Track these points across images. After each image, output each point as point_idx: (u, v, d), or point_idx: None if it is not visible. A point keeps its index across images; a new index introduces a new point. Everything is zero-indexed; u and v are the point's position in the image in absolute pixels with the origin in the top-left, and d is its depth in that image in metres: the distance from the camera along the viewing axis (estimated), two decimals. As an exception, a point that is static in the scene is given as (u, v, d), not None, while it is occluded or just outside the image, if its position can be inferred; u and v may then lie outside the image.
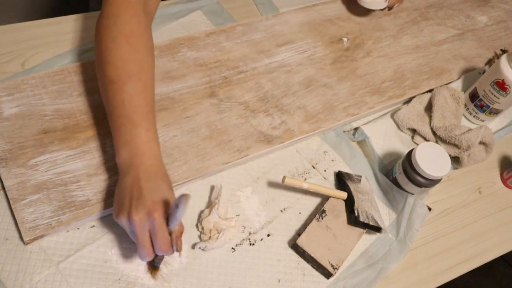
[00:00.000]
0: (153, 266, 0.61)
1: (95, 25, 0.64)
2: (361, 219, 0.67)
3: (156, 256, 0.58)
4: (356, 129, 0.80)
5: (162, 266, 0.62)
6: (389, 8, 0.95)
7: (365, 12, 0.94)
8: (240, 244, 0.67)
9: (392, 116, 0.83)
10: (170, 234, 0.55)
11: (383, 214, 0.73)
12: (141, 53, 0.62)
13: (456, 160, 0.80)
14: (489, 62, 0.94)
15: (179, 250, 0.56)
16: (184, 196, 0.51)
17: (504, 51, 0.96)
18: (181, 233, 0.57)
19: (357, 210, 0.67)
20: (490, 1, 1.06)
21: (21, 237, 0.60)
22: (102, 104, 0.71)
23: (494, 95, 0.80)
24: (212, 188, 0.70)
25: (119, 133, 0.59)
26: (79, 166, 0.65)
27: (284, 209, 0.71)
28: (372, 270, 0.68)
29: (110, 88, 0.60)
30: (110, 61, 0.60)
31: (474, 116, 0.86)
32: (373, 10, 0.93)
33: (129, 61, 0.61)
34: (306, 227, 0.67)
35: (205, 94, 0.76)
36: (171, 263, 0.63)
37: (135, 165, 0.57)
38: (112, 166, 0.66)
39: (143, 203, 0.54)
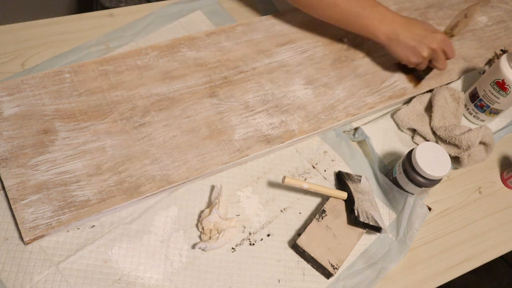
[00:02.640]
0: (418, 79, 0.86)
1: None
2: (361, 219, 0.67)
3: (428, 70, 0.85)
4: (356, 129, 0.80)
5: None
6: None
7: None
8: (240, 244, 0.67)
9: (392, 116, 0.83)
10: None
11: (383, 214, 0.73)
12: None
13: (456, 160, 0.80)
14: (489, 62, 0.94)
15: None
16: (473, 6, 0.88)
17: (504, 51, 0.96)
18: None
19: (357, 210, 0.67)
20: (490, 1, 1.06)
21: (21, 237, 0.60)
22: (102, 104, 0.71)
23: (494, 95, 0.80)
24: (212, 188, 0.70)
25: (370, 21, 0.79)
26: (79, 166, 0.65)
27: (284, 209, 0.71)
28: (372, 270, 0.68)
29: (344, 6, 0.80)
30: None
31: (474, 116, 0.86)
32: None
33: None
34: (306, 227, 0.67)
35: (205, 94, 0.76)
36: (172, 263, 0.63)
37: (398, 27, 0.78)
38: (112, 166, 0.66)
39: (431, 37, 0.78)
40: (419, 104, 0.83)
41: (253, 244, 0.67)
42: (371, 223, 0.67)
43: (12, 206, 0.61)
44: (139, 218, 0.65)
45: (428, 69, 0.85)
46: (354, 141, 0.80)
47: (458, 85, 0.89)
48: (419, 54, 0.79)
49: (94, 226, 0.63)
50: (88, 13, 0.83)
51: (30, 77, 0.71)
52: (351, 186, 0.71)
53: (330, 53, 0.87)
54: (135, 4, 0.89)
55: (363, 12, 0.79)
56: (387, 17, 0.79)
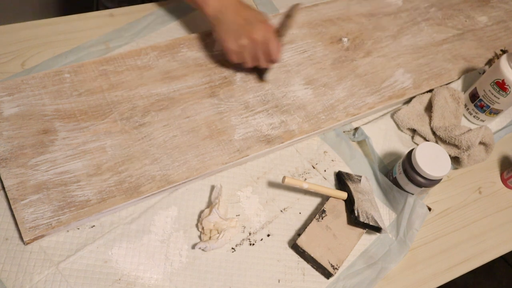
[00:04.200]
0: (262, 79, 0.79)
1: None
2: (361, 219, 0.67)
3: (265, 70, 0.77)
4: (356, 129, 0.80)
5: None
6: None
7: (365, 12, 0.94)
8: (240, 244, 0.67)
9: (392, 116, 0.83)
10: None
11: (383, 214, 0.73)
12: None
13: (456, 160, 0.80)
14: (489, 62, 0.94)
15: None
16: (294, 6, 0.80)
17: (504, 51, 0.96)
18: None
19: (357, 210, 0.67)
20: (490, 1, 1.06)
21: (21, 237, 0.60)
22: (102, 104, 0.71)
23: (494, 95, 0.80)
24: (212, 188, 0.70)
25: None
26: (79, 166, 0.65)
27: (284, 209, 0.71)
28: (372, 270, 0.68)
29: None
30: None
31: (474, 116, 0.86)
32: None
33: None
34: (306, 227, 0.67)
35: (205, 94, 0.76)
36: (172, 263, 0.63)
37: (227, 5, 0.71)
38: (112, 166, 0.66)
39: (256, 25, 0.70)
40: (419, 104, 0.83)
41: (253, 244, 0.67)
42: (371, 223, 0.67)
43: (12, 206, 0.61)
44: (139, 218, 0.65)
45: (266, 69, 0.79)
46: (354, 141, 0.80)
47: (458, 85, 0.89)
48: (238, 39, 0.70)
49: (94, 226, 0.63)
50: (88, 13, 0.83)
51: (30, 77, 0.71)
52: (351, 186, 0.71)
53: (330, 53, 0.87)
54: (137, 4, 0.89)
55: None
56: None
